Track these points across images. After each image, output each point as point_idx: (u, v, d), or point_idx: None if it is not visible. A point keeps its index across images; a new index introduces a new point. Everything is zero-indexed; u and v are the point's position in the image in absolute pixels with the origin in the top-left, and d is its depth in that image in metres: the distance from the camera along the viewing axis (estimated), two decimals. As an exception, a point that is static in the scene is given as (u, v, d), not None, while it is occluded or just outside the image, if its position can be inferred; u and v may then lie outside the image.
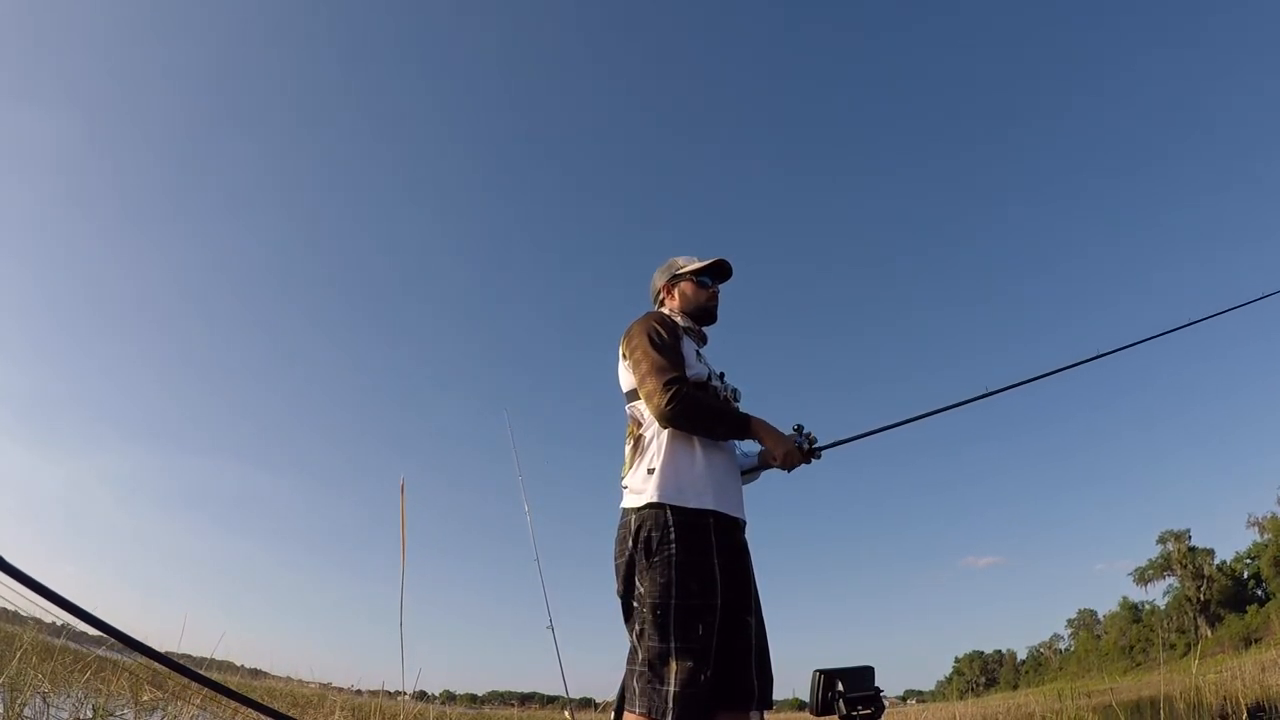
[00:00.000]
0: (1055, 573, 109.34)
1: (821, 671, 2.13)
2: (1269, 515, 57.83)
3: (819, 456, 2.54)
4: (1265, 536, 58.07)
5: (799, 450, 2.44)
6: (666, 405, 2.23)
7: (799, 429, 2.48)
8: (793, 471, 2.51)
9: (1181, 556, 62.62)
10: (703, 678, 2.06)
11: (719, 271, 2.72)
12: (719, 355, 2.68)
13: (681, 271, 2.70)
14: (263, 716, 3.32)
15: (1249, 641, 47.96)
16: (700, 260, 2.70)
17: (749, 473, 2.70)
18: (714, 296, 2.70)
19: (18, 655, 4.28)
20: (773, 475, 2.67)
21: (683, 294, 2.69)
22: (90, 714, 4.21)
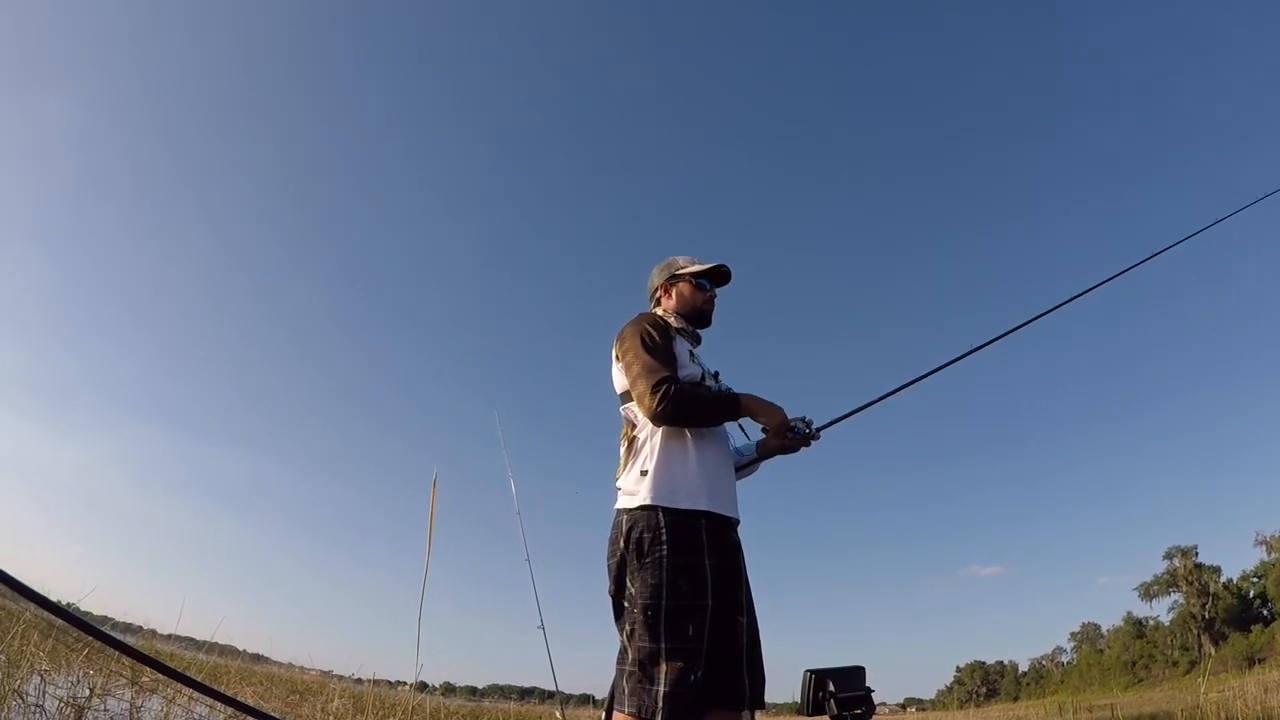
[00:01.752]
0: (1059, 585, 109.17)
1: (812, 671, 2.12)
2: (1277, 534, 57.45)
3: (818, 437, 2.60)
4: (1273, 555, 57.68)
5: (794, 432, 2.51)
6: (657, 406, 2.24)
7: (802, 419, 2.53)
8: (798, 452, 2.62)
9: (1187, 573, 62.18)
10: (693, 678, 2.06)
11: (718, 276, 2.73)
12: (715, 357, 2.69)
13: (681, 272, 2.70)
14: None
15: (1252, 661, 47.62)
16: (701, 263, 2.71)
17: (748, 465, 2.71)
18: (710, 300, 2.72)
19: (20, 631, 4.30)
20: (784, 469, 2.71)
21: (680, 294, 2.69)
22: (87, 693, 4.22)
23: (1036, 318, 3.18)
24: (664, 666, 2.07)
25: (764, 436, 2.63)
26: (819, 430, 2.60)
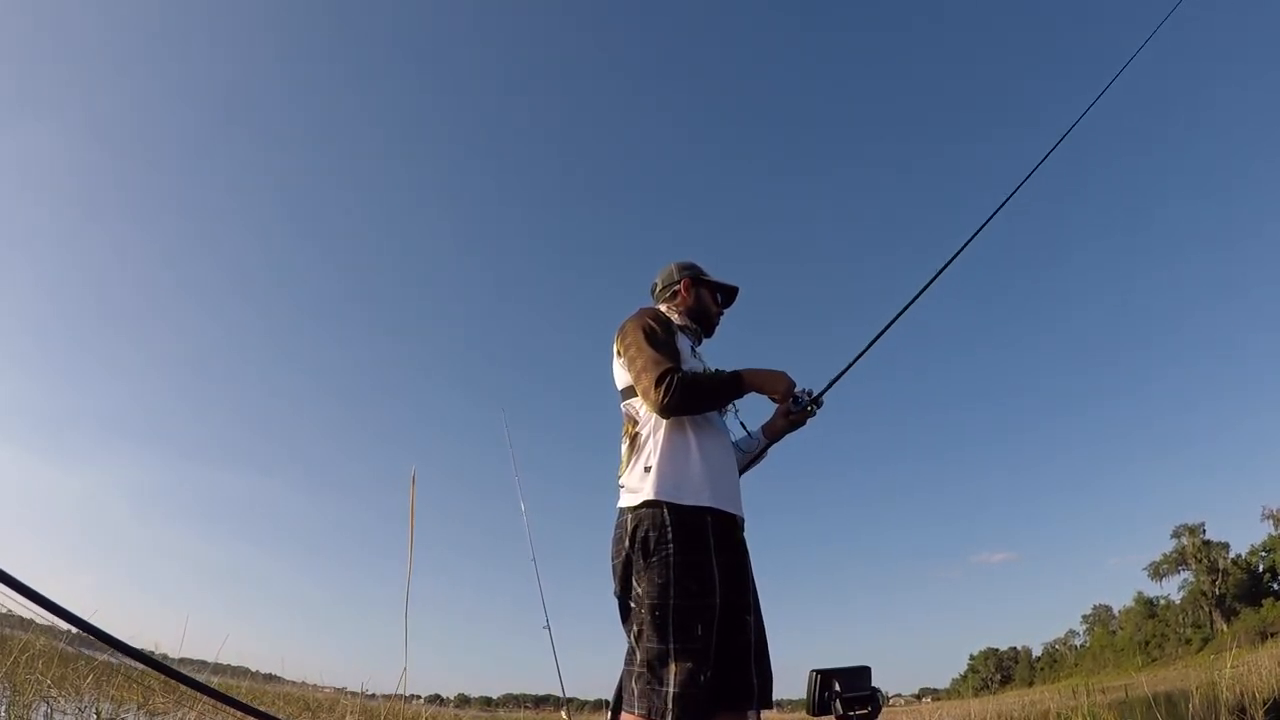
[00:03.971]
0: (1069, 568, 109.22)
1: (818, 671, 2.11)
2: (1284, 508, 57.49)
3: (821, 404, 2.64)
4: (1280, 529, 57.74)
5: (796, 402, 2.56)
6: (664, 398, 2.22)
7: (805, 390, 2.57)
8: (805, 425, 2.68)
9: (1196, 550, 62.28)
10: (702, 678, 2.04)
11: (731, 296, 2.82)
12: (715, 358, 2.67)
13: (708, 279, 2.76)
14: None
15: (1265, 635, 47.64)
16: (722, 280, 2.79)
17: (758, 455, 2.74)
18: (719, 315, 2.79)
19: (24, 659, 4.29)
20: (790, 460, 2.70)
21: (700, 298, 2.73)
22: (95, 718, 4.21)
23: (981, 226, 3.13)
24: (673, 667, 2.05)
25: (769, 421, 2.70)
26: (820, 396, 2.63)
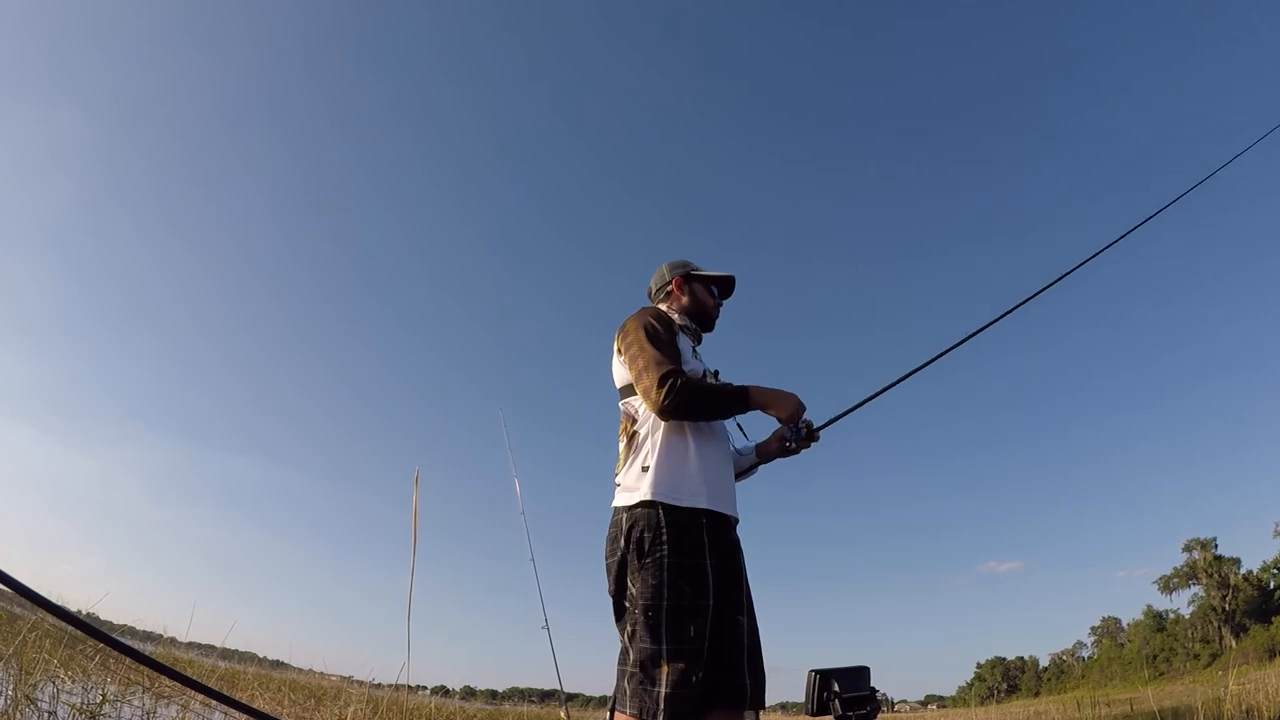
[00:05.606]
0: (1078, 579, 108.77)
1: (817, 671, 2.11)
2: (1297, 525, 56.97)
3: (818, 438, 2.57)
4: (1293, 546, 57.21)
5: (794, 432, 2.50)
6: (665, 399, 2.21)
7: (807, 423, 2.51)
8: (798, 454, 2.61)
9: (1207, 565, 61.78)
10: (694, 679, 2.06)
11: (728, 287, 2.77)
12: (716, 354, 2.68)
13: (699, 273, 2.73)
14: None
15: (1274, 653, 47.26)
16: (714, 271, 2.75)
17: (748, 470, 2.70)
18: (717, 308, 2.76)
19: (34, 639, 4.32)
20: (802, 467, 2.68)
21: (694, 294, 2.71)
22: (99, 699, 4.24)
23: (1028, 300, 3.14)
24: (665, 668, 2.06)
25: (764, 440, 2.66)
26: (818, 430, 2.57)
